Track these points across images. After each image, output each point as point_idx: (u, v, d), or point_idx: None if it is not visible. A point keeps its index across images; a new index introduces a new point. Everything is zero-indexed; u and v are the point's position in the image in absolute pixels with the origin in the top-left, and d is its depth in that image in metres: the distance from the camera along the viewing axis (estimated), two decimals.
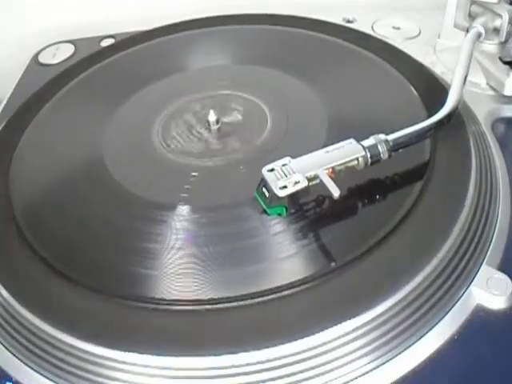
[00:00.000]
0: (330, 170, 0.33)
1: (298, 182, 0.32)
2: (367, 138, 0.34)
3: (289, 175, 0.32)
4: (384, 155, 0.34)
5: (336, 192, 0.31)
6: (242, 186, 0.36)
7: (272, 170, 0.33)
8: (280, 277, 0.31)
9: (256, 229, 0.34)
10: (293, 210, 0.34)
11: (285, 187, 0.32)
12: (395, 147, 0.34)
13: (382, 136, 0.34)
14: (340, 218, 0.34)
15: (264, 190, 0.33)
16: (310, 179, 0.32)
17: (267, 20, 0.53)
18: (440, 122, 0.35)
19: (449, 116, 0.36)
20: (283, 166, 0.33)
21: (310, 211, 0.34)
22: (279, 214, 0.33)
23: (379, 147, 0.34)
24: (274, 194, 0.32)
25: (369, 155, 0.33)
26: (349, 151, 0.34)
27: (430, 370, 0.29)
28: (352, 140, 0.34)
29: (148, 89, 0.47)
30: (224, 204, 0.36)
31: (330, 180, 0.32)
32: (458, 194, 0.34)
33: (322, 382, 0.28)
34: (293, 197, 0.32)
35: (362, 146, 0.34)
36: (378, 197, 0.35)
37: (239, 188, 0.36)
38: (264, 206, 0.33)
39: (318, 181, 0.32)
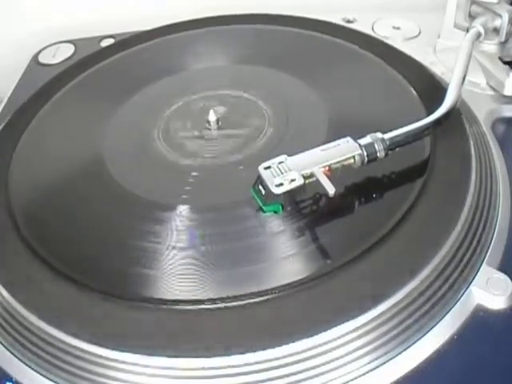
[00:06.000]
0: (327, 167, 0.33)
1: (294, 179, 0.32)
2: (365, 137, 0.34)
3: (285, 173, 0.32)
4: (381, 154, 0.34)
5: (331, 190, 0.31)
6: (242, 185, 0.35)
7: (268, 167, 0.33)
8: (280, 277, 0.31)
9: (256, 229, 0.34)
10: (289, 208, 0.34)
11: (281, 185, 0.32)
12: (392, 146, 0.34)
13: (378, 134, 0.34)
14: (339, 218, 0.34)
15: (260, 187, 0.33)
16: (306, 177, 0.32)
17: (267, 20, 0.53)
18: (437, 122, 0.35)
19: (446, 115, 0.36)
20: (280, 163, 0.33)
21: (309, 211, 0.34)
22: (275, 212, 0.33)
23: (376, 145, 0.34)
24: (270, 192, 0.32)
25: (365, 153, 0.33)
26: (345, 149, 0.34)
27: (430, 370, 0.29)
28: (349, 138, 0.34)
29: (148, 89, 0.47)
30: (224, 204, 0.36)
31: (325, 178, 0.32)
32: (458, 194, 0.34)
33: (322, 382, 0.28)
34: (289, 194, 0.32)
35: (359, 145, 0.34)
36: (377, 196, 0.35)
37: (239, 188, 0.36)
38: (260, 204, 0.33)
39: (314, 179, 0.32)
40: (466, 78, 0.39)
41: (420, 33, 0.53)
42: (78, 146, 0.42)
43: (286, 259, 0.32)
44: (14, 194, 0.38)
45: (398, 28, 0.54)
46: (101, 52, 0.54)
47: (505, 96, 0.43)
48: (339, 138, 0.34)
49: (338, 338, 0.28)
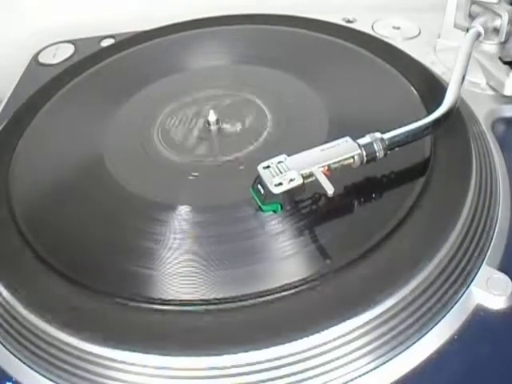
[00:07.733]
0: (326, 167, 0.33)
1: (293, 179, 0.32)
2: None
3: (284, 172, 0.32)
4: (380, 153, 0.34)
5: (330, 190, 0.31)
6: (242, 186, 0.35)
7: (268, 167, 0.33)
8: (280, 277, 0.31)
9: (256, 229, 0.34)
10: (288, 208, 0.34)
11: (280, 184, 0.32)
12: (391, 146, 0.34)
13: (377, 134, 0.34)
14: (339, 218, 0.34)
15: (259, 186, 0.33)
16: (305, 177, 0.32)
17: (267, 20, 0.53)
18: (437, 121, 0.35)
19: (446, 115, 0.36)
20: (279, 163, 0.33)
21: (309, 211, 0.34)
22: (274, 211, 0.33)
23: (375, 145, 0.34)
24: (269, 191, 0.32)
25: (364, 153, 0.33)
26: (344, 149, 0.34)
27: (430, 370, 0.29)
28: (348, 138, 0.34)
29: (148, 89, 0.47)
30: (224, 204, 0.36)
31: (324, 178, 0.32)
32: (458, 194, 0.34)
33: (322, 382, 0.28)
34: (288, 194, 0.32)
35: (358, 144, 0.34)
36: (377, 196, 0.35)
37: (239, 188, 0.36)
38: (259, 203, 0.33)
39: (313, 178, 0.32)
40: (466, 77, 0.39)
41: (420, 33, 0.53)
42: (77, 146, 0.42)
43: (286, 259, 0.32)
44: (15, 194, 0.38)
45: (398, 28, 0.54)
46: (101, 52, 0.54)
47: (505, 96, 0.43)
48: (339, 137, 0.34)
49: (338, 337, 0.28)
